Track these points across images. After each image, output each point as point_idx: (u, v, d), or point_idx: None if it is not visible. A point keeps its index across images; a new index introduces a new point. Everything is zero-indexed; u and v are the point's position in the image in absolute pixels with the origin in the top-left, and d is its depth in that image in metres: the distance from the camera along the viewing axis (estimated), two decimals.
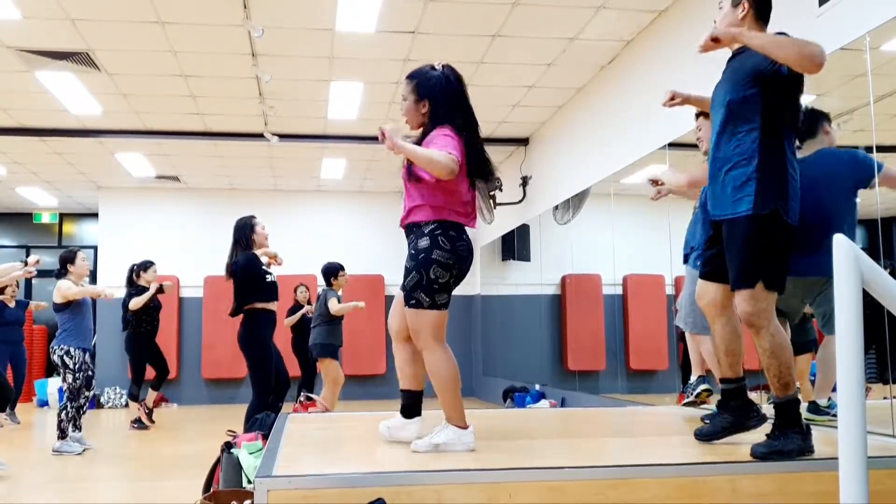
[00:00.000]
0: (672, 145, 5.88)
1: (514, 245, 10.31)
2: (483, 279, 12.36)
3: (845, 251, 1.83)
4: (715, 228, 3.13)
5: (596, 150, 7.48)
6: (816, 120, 3.94)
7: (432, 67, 3.20)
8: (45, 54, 6.82)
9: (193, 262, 11.67)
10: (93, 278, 13.41)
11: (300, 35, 6.52)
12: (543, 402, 8.63)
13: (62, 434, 6.58)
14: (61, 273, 6.70)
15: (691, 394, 4.30)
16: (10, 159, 10.41)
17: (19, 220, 14.06)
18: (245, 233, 5.82)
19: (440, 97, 3.13)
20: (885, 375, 3.97)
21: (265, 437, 3.63)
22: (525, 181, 9.69)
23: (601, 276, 7.72)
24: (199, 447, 7.02)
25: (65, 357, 6.55)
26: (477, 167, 3.14)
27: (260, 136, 9.15)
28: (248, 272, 5.69)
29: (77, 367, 6.57)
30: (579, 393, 8.12)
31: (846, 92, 4.32)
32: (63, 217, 14.16)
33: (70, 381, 6.56)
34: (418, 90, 3.16)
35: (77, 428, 6.74)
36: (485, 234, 11.78)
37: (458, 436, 3.04)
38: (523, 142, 9.78)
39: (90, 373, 6.80)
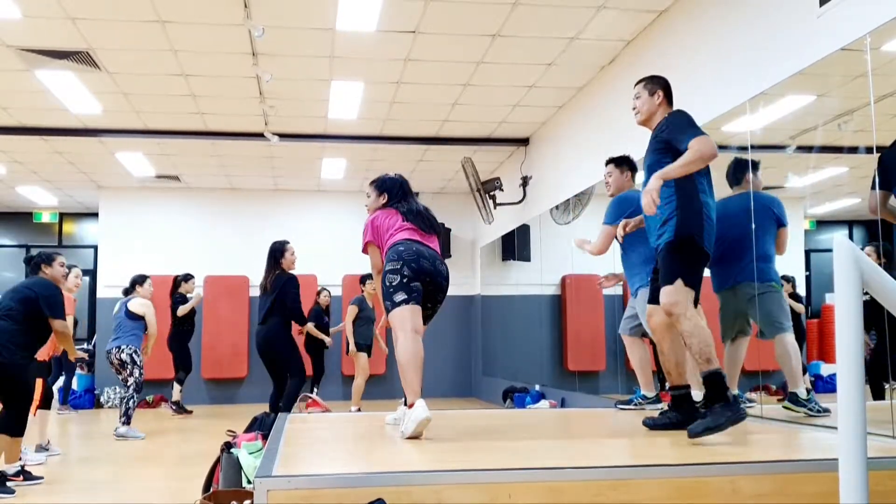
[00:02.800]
0: None
1: (515, 245, 10.31)
2: (483, 279, 12.36)
3: (845, 251, 1.82)
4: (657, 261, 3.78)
5: (596, 151, 7.46)
6: (741, 170, 4.80)
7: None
8: (45, 53, 6.82)
9: (193, 261, 11.66)
10: (93, 278, 13.41)
11: (301, 34, 6.52)
12: (543, 403, 8.62)
13: (128, 420, 7.81)
14: (129, 291, 8.19)
15: (637, 404, 4.90)
16: (11, 158, 10.41)
17: (19, 219, 14.05)
18: (276, 256, 6.83)
19: (392, 190, 4.15)
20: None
21: (265, 437, 3.63)
22: (525, 181, 9.69)
23: (601, 276, 7.70)
24: (198, 447, 7.02)
25: (133, 355, 7.84)
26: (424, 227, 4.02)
27: (260, 135, 9.15)
28: (292, 293, 6.78)
29: (142, 364, 7.91)
30: (579, 393, 8.12)
31: (846, 92, 4.32)
32: (63, 216, 14.15)
33: (136, 375, 7.83)
34: (377, 188, 4.17)
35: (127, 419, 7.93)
36: (485, 234, 11.78)
37: (409, 415, 3.47)
38: (523, 142, 9.78)
39: None
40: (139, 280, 8.24)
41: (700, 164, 3.48)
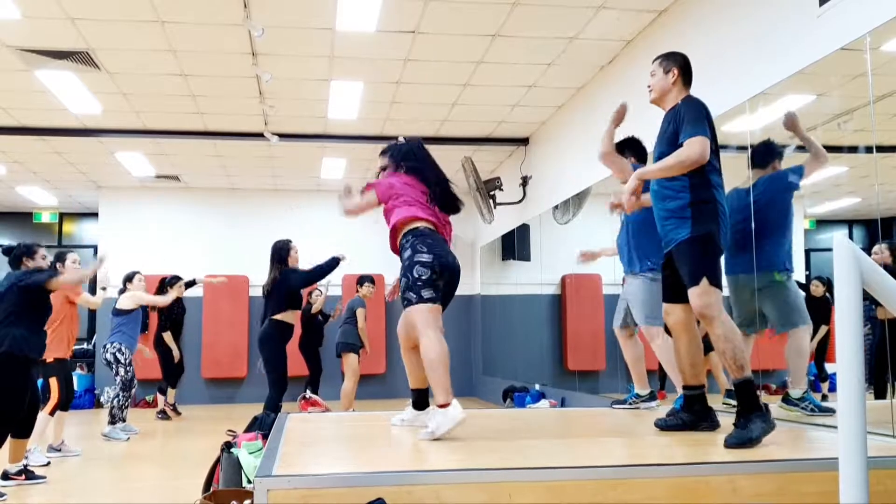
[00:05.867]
0: None
1: (514, 245, 10.31)
2: (483, 279, 12.36)
3: (845, 251, 1.82)
4: (667, 257, 3.60)
5: (596, 150, 7.45)
6: (771, 155, 4.67)
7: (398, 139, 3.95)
8: (45, 53, 6.81)
9: (193, 261, 11.66)
10: (92, 277, 13.40)
11: (300, 34, 6.52)
12: (543, 402, 8.62)
13: (112, 420, 7.72)
14: (122, 290, 8.19)
15: (632, 403, 4.80)
16: (10, 158, 10.41)
17: (19, 219, 14.05)
18: (282, 254, 6.74)
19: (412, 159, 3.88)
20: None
21: (265, 437, 3.63)
22: (525, 181, 9.69)
23: (601, 276, 7.71)
24: (198, 447, 7.02)
25: (117, 353, 7.69)
26: (444, 204, 3.81)
27: (260, 135, 9.15)
28: (292, 288, 6.68)
29: (127, 362, 7.72)
30: (579, 393, 8.12)
31: (846, 92, 4.32)
32: (63, 216, 14.15)
33: (122, 373, 7.69)
34: (393, 159, 3.93)
35: (122, 419, 7.83)
36: (485, 234, 11.78)
37: (444, 414, 3.35)
38: (523, 142, 9.78)
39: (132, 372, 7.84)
40: (128, 277, 8.27)
41: (679, 169, 3.38)
